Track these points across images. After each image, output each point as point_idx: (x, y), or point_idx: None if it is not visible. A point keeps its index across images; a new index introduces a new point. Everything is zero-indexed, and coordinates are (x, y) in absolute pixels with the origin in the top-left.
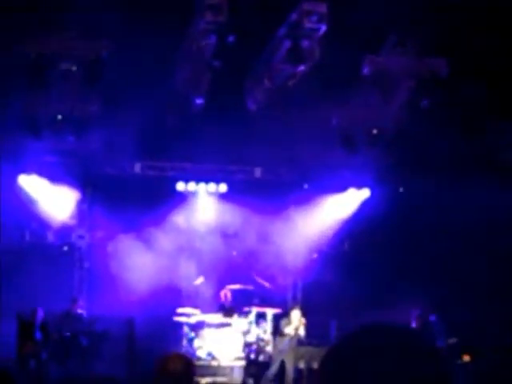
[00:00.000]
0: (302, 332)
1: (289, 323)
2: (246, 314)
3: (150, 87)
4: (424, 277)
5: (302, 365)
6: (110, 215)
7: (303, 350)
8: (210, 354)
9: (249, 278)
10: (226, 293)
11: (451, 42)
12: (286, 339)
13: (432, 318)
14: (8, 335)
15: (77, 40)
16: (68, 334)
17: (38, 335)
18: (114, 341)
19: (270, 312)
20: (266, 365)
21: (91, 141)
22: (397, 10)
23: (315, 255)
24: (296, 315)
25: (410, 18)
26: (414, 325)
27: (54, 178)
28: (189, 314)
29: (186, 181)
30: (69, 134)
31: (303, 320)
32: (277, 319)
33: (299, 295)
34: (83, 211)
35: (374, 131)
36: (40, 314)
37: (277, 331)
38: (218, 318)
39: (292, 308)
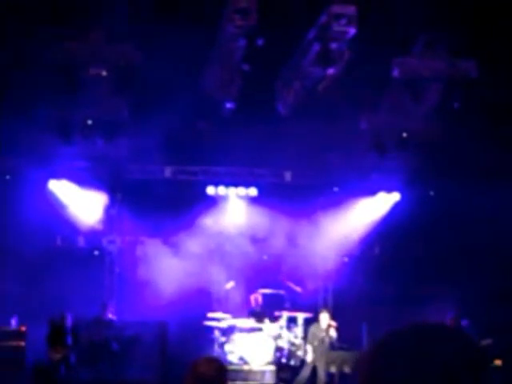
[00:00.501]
0: (333, 334)
1: (318, 327)
2: (277, 318)
3: (179, 91)
4: (455, 280)
5: (333, 369)
6: (140, 220)
7: (335, 354)
8: (241, 359)
9: (279, 282)
10: (257, 297)
11: (481, 43)
12: (318, 342)
13: (464, 322)
14: (39, 340)
15: (106, 45)
16: (99, 339)
17: (69, 340)
18: (145, 346)
19: (301, 316)
20: (298, 369)
21: (121, 146)
22: (426, 11)
23: (346, 259)
24: (325, 318)
25: (440, 19)
26: None
27: (84, 182)
28: (219, 319)
29: (216, 185)
30: (99, 139)
31: (334, 323)
32: (308, 323)
33: (330, 299)
34: (113, 216)
35: (404, 134)
36: (68, 319)
37: (307, 336)
38: (249, 322)
39: (320, 311)
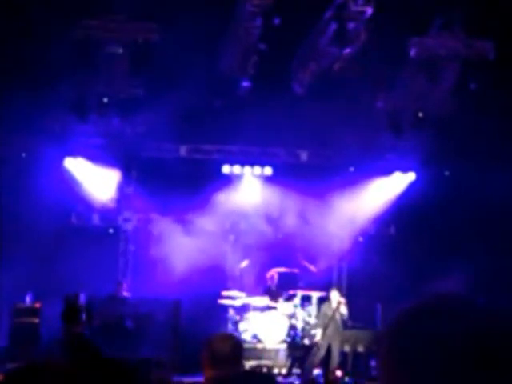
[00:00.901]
0: (344, 311)
1: (330, 306)
2: (292, 297)
3: (195, 69)
4: (470, 261)
5: (347, 348)
6: (155, 198)
7: (348, 333)
8: (255, 337)
9: (293, 261)
10: (273, 275)
11: (499, 24)
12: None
13: (480, 301)
14: (53, 317)
15: (124, 23)
16: (113, 316)
17: (84, 318)
18: (159, 323)
19: (315, 295)
20: (311, 348)
21: (136, 124)
22: None
23: (361, 238)
24: (335, 296)
25: None
26: None
27: (100, 160)
28: (234, 297)
29: (232, 164)
30: (114, 117)
31: (343, 299)
32: (321, 302)
33: (344, 278)
34: (128, 194)
35: (420, 114)
36: (82, 298)
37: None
38: (263, 300)
39: (330, 290)
